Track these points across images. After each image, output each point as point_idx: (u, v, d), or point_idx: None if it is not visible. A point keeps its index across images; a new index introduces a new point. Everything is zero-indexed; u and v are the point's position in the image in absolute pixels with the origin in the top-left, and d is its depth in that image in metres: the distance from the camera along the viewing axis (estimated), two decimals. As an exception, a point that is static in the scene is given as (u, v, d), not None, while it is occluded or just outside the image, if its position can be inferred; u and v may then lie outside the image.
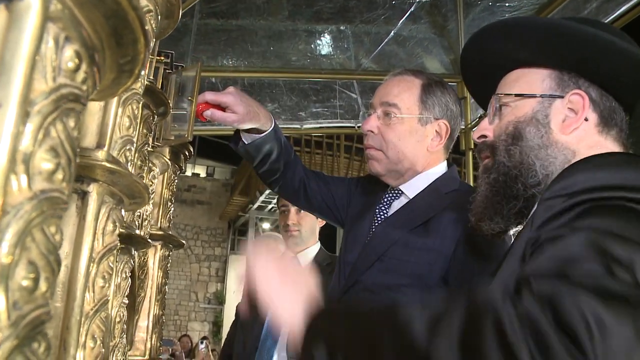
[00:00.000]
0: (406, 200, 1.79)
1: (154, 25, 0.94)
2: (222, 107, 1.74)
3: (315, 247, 3.02)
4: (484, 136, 1.22)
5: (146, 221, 1.69)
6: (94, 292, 0.78)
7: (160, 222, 2.00)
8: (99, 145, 0.81)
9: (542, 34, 1.12)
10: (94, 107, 0.81)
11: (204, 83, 4.86)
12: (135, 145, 1.22)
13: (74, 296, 0.74)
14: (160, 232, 1.96)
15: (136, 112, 0.89)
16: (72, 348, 0.73)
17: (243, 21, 4.38)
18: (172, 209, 2.12)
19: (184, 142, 1.86)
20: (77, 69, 0.44)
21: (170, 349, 9.23)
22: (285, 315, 1.00)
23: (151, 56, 1.43)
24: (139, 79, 0.87)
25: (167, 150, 2.02)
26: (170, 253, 2.08)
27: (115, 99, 0.83)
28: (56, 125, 0.42)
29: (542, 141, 1.08)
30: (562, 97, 1.09)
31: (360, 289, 1.69)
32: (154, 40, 0.97)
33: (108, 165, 0.78)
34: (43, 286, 0.41)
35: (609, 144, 1.05)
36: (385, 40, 4.43)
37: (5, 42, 0.38)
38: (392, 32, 4.33)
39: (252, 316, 2.86)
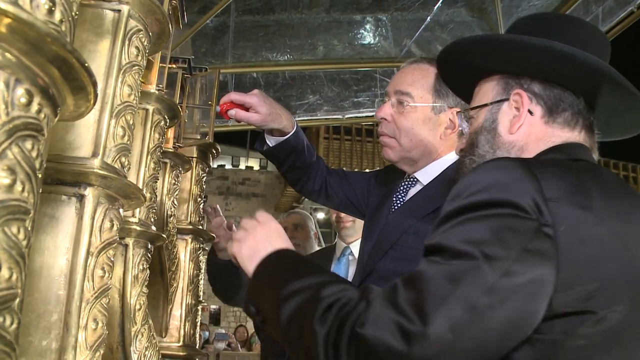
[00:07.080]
0: (421, 188, 1.84)
1: (145, 43, 1.05)
2: (246, 107, 1.80)
3: None
4: (462, 150, 1.32)
5: (171, 217, 1.83)
6: (93, 281, 0.90)
7: (190, 217, 2.15)
8: (94, 154, 0.93)
9: (488, 46, 1.22)
10: (89, 121, 0.93)
11: (246, 79, 5.00)
12: (147, 151, 1.36)
13: (74, 285, 0.87)
14: (190, 227, 2.10)
15: (131, 122, 1.01)
16: (74, 329, 0.86)
17: (279, 16, 4.47)
18: (202, 204, 2.26)
19: (204, 143, 1.99)
20: (29, 102, 0.55)
21: (227, 341, 9.56)
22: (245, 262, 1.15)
23: (162, 64, 1.56)
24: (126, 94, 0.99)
25: (193, 149, 2.16)
26: (202, 246, 2.22)
27: (107, 113, 0.95)
28: (12, 149, 0.53)
29: (489, 146, 1.19)
30: (507, 99, 1.18)
31: (376, 277, 1.75)
32: (147, 56, 1.08)
33: (100, 171, 0.90)
34: (6, 273, 0.53)
35: (556, 132, 1.13)
36: (423, 26, 4.42)
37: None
38: (428, 17, 4.32)
39: None
